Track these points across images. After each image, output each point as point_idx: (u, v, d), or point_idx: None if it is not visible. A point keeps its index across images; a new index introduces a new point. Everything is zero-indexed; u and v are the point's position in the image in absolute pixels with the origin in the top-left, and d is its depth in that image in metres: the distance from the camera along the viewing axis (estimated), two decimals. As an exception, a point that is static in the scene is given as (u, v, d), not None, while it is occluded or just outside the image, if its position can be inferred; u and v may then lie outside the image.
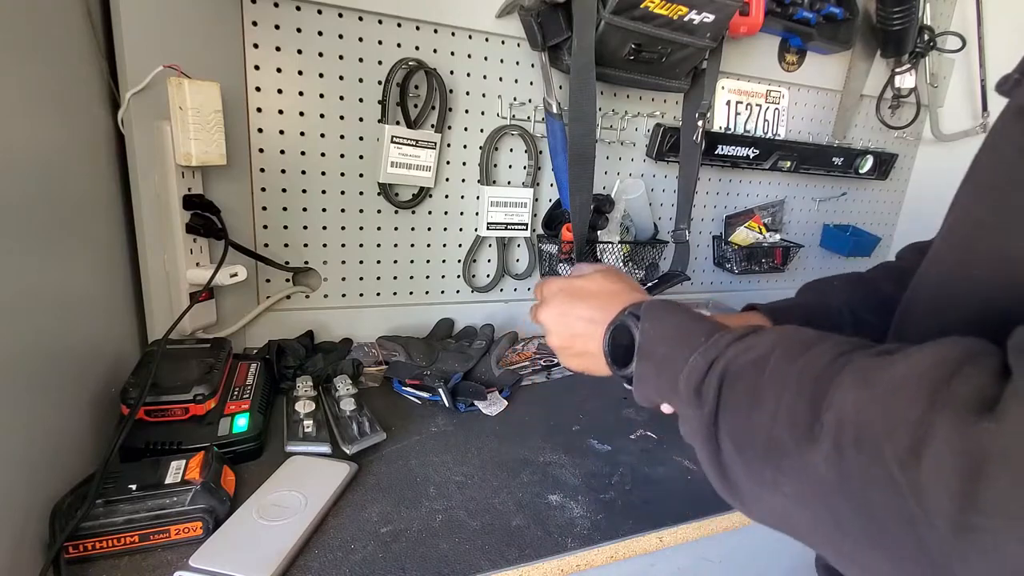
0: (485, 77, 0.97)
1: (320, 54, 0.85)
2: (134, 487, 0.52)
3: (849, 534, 0.29)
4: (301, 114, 0.87)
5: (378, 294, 1.00)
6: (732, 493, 0.36)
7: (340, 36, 0.86)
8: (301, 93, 0.86)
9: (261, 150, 0.86)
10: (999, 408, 0.24)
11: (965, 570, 0.24)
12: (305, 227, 0.92)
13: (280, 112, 0.86)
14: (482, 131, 0.99)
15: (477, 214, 1.03)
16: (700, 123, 1.05)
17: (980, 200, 0.38)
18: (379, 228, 0.97)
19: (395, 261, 1.00)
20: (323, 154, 0.90)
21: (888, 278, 0.62)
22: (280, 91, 0.85)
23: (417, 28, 0.90)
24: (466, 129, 0.98)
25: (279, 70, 0.84)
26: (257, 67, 0.83)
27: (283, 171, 0.88)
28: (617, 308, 0.47)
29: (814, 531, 0.32)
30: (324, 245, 0.94)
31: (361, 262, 0.98)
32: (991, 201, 0.37)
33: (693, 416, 0.37)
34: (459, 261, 1.05)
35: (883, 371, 0.29)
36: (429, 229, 1.01)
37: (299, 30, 0.83)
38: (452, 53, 0.93)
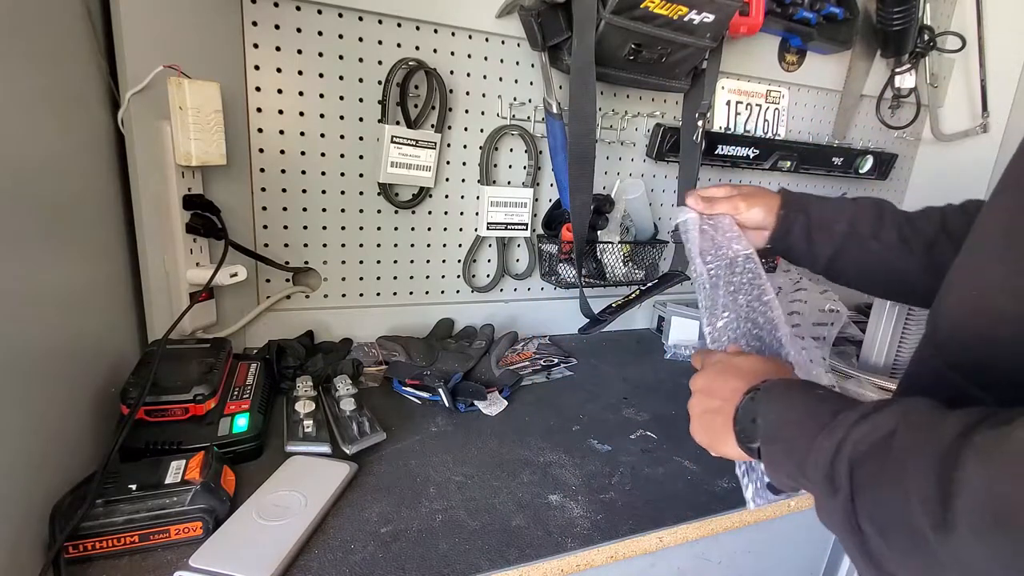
0: (485, 77, 0.97)
1: (320, 54, 0.85)
2: (134, 487, 0.52)
3: None
4: (301, 114, 0.87)
5: (378, 294, 1.00)
6: None
7: (340, 36, 0.86)
8: (301, 93, 0.86)
9: (261, 150, 0.86)
10: None
11: None
12: (305, 227, 0.92)
13: (280, 112, 0.86)
14: (482, 131, 0.99)
15: (477, 214, 1.03)
16: (700, 123, 1.05)
17: None
18: (379, 228, 0.97)
19: (395, 261, 1.00)
20: (323, 154, 0.90)
21: (900, 212, 0.65)
22: (280, 91, 0.85)
23: (417, 28, 0.90)
24: (466, 129, 0.98)
25: (279, 70, 0.84)
26: (257, 67, 0.83)
27: (283, 171, 0.88)
28: (743, 388, 0.47)
29: None
30: (324, 245, 0.94)
31: (361, 262, 0.98)
32: None
33: (828, 503, 0.36)
34: (459, 261, 1.05)
35: (1009, 442, 0.28)
36: (429, 229, 1.01)
37: (299, 30, 0.83)
38: (452, 53, 0.93)
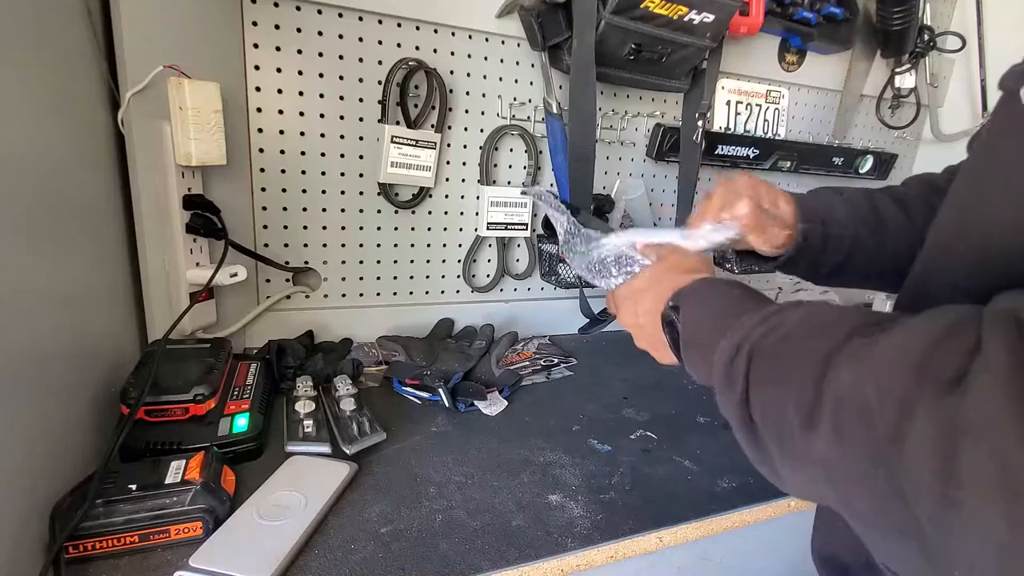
0: (485, 77, 0.97)
1: (320, 54, 0.85)
2: (134, 487, 0.52)
3: (857, 515, 0.30)
4: (301, 114, 0.87)
5: (378, 294, 1.00)
6: (770, 471, 0.37)
7: (340, 36, 0.86)
8: (301, 93, 0.86)
9: (261, 150, 0.86)
10: (966, 379, 0.24)
11: (955, 545, 0.24)
12: (305, 227, 0.92)
13: (280, 112, 0.86)
14: (482, 131, 0.99)
15: (477, 214, 1.03)
16: (700, 123, 1.06)
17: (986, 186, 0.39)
18: (379, 228, 0.97)
19: (395, 261, 1.00)
20: (323, 154, 0.90)
21: (891, 199, 0.64)
22: (280, 91, 0.85)
23: (417, 28, 0.90)
24: (466, 129, 0.98)
25: (279, 70, 0.84)
26: (257, 67, 0.83)
27: (283, 171, 0.88)
28: (664, 297, 0.49)
29: (839, 508, 0.32)
30: (324, 245, 0.94)
31: (361, 262, 0.98)
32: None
33: (727, 398, 0.38)
34: (459, 261, 1.05)
35: (877, 346, 0.29)
36: (429, 229, 1.01)
37: (299, 30, 0.83)
38: (452, 53, 0.93)
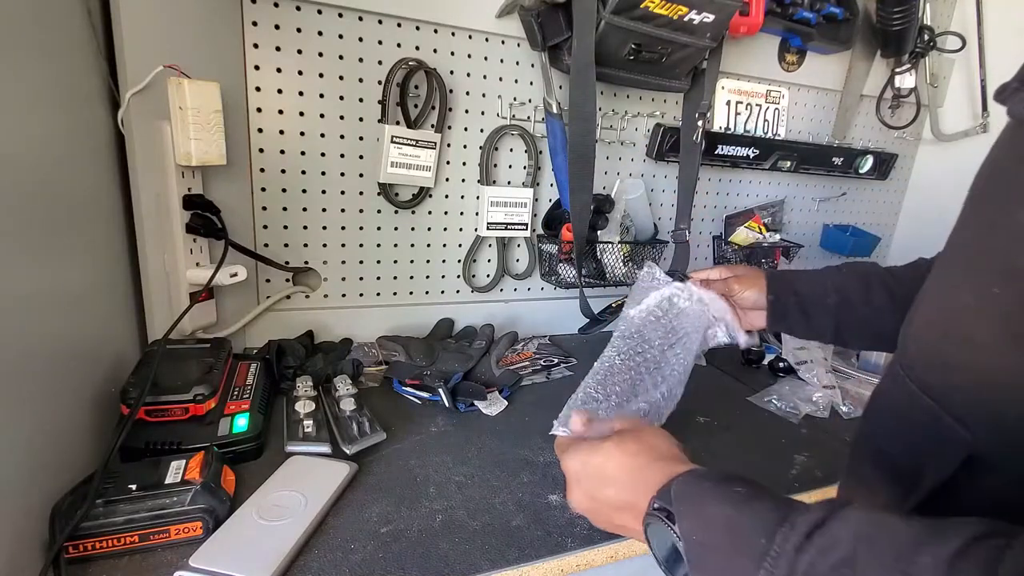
0: (485, 77, 0.97)
1: (320, 54, 0.85)
2: (134, 487, 0.52)
3: None
4: (301, 114, 0.87)
5: (378, 294, 1.00)
6: None
7: (340, 36, 0.86)
8: (301, 93, 0.86)
9: (261, 150, 0.86)
10: None
11: None
12: (305, 227, 0.92)
13: (280, 112, 0.85)
14: (482, 131, 0.99)
15: (477, 214, 1.03)
16: (700, 123, 1.06)
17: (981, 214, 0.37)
18: (379, 228, 0.97)
19: (395, 261, 1.00)
20: (323, 154, 0.90)
21: (882, 272, 0.65)
22: (280, 91, 0.85)
23: (417, 28, 0.90)
24: (466, 129, 0.98)
25: (279, 70, 0.84)
26: (257, 67, 0.83)
27: (283, 171, 0.88)
28: (645, 492, 0.40)
29: None
30: (324, 245, 0.94)
31: (361, 262, 0.97)
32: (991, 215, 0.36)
33: None
34: (459, 261, 1.05)
35: None
36: (429, 229, 1.01)
37: (299, 30, 0.83)
38: (452, 53, 0.93)
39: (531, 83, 1.00)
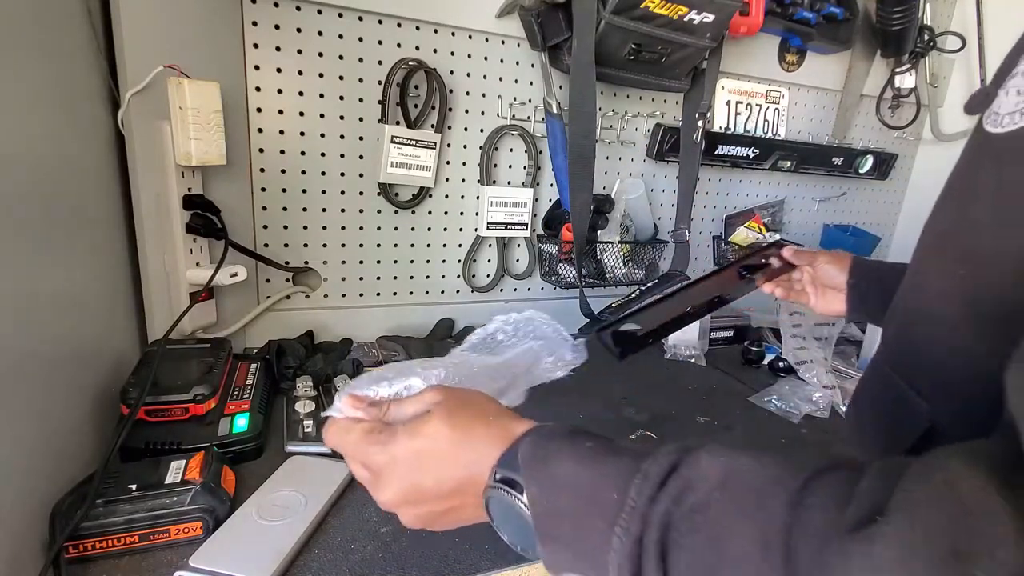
0: (485, 77, 0.97)
1: (320, 54, 0.85)
2: (134, 487, 0.52)
3: None
4: (301, 114, 0.87)
5: (378, 294, 1.00)
6: None
7: (340, 36, 0.86)
8: (301, 93, 0.86)
9: (261, 150, 0.86)
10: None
11: None
12: (305, 227, 0.92)
13: (280, 112, 0.85)
14: (482, 131, 0.99)
15: (477, 214, 1.03)
16: (700, 123, 1.06)
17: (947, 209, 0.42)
18: (379, 228, 0.97)
19: (395, 261, 1.00)
20: (323, 154, 0.90)
21: None
22: (280, 91, 0.85)
23: (417, 28, 0.90)
24: (466, 129, 0.98)
25: (279, 70, 0.84)
26: (257, 67, 0.83)
27: (283, 171, 0.88)
28: (487, 461, 0.34)
29: None
30: (324, 245, 0.94)
31: (361, 262, 0.97)
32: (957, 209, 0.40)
33: None
34: (459, 261, 1.05)
35: (856, 558, 0.23)
36: (429, 229, 1.01)
37: (299, 30, 0.83)
38: (452, 53, 0.93)
39: (531, 83, 1.00)
